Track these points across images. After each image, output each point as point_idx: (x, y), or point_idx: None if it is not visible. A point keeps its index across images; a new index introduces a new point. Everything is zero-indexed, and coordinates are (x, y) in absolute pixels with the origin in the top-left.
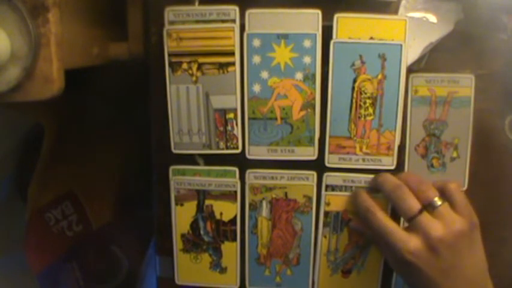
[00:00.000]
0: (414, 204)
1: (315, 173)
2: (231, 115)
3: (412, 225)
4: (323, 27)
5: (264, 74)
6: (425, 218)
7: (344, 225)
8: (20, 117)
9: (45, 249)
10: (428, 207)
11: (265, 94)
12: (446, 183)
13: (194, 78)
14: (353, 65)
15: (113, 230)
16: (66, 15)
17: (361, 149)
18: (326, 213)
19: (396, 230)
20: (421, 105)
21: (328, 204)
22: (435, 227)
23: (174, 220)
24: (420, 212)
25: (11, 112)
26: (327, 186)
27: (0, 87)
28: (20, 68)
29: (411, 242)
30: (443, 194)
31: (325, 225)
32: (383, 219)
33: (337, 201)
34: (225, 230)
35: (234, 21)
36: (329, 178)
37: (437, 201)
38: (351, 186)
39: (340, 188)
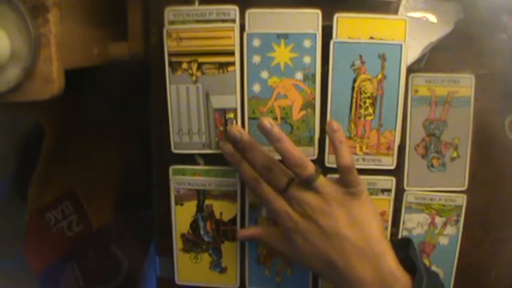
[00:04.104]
0: (283, 178)
1: None
2: (231, 115)
3: (287, 197)
4: (323, 27)
5: (264, 74)
6: (296, 189)
7: None
8: (20, 117)
9: (45, 249)
10: (305, 181)
11: (265, 94)
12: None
13: (194, 78)
14: (353, 65)
15: (112, 230)
16: (66, 15)
17: (361, 149)
18: None
19: (278, 199)
20: (421, 105)
21: None
22: (306, 195)
23: (174, 220)
24: (289, 183)
25: (11, 112)
26: None
27: (0, 87)
28: (20, 68)
29: (288, 210)
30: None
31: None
32: (266, 189)
33: None
34: (225, 230)
35: (234, 21)
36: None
37: (314, 175)
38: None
39: None
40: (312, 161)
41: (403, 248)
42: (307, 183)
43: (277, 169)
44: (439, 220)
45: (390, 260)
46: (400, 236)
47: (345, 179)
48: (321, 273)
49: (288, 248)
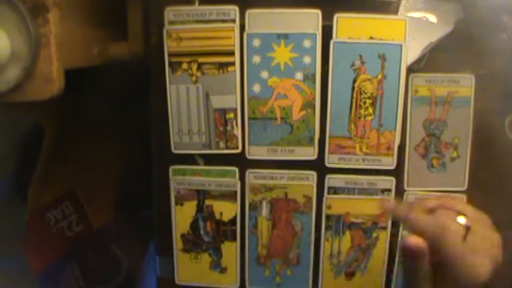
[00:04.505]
0: (459, 226)
1: (315, 173)
2: (231, 115)
3: (469, 247)
4: (323, 27)
5: (264, 74)
6: (475, 237)
7: (346, 228)
8: (20, 117)
9: (45, 249)
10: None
11: (265, 94)
12: (437, 200)
13: (194, 78)
14: (353, 65)
15: (112, 230)
16: (66, 15)
17: (361, 149)
18: (328, 217)
19: (470, 253)
20: (421, 105)
21: (329, 207)
22: (488, 242)
23: (174, 220)
24: (467, 230)
25: (11, 112)
26: (329, 188)
27: (0, 87)
28: (20, 68)
29: (484, 264)
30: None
31: (327, 228)
32: (456, 240)
33: (338, 204)
34: (225, 230)
35: (234, 21)
36: (331, 180)
37: (461, 217)
38: (354, 188)
39: (342, 190)
40: (312, 161)
41: None
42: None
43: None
44: None
45: None
46: (400, 237)
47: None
48: None
49: None
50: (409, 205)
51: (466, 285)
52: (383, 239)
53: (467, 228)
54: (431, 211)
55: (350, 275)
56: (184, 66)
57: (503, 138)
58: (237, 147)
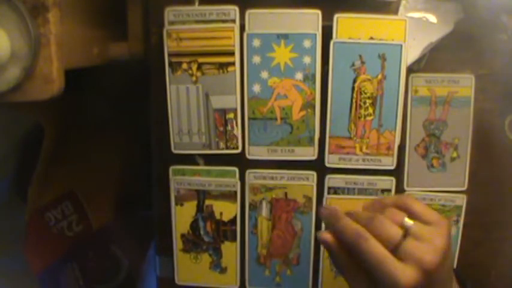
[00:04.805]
0: (395, 231)
1: (314, 173)
2: (231, 115)
3: (400, 253)
4: (323, 27)
5: (264, 74)
6: (411, 244)
7: None
8: (20, 117)
9: (45, 250)
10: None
11: (265, 94)
12: (396, 198)
13: (194, 78)
14: (353, 65)
15: (113, 230)
16: (66, 15)
17: (361, 149)
18: None
19: (391, 260)
20: (421, 105)
21: None
22: (423, 250)
23: (174, 220)
24: (404, 237)
25: (11, 112)
26: (329, 188)
27: (0, 87)
28: (20, 68)
29: (407, 272)
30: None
31: (327, 228)
32: (376, 246)
33: (338, 204)
34: (225, 230)
35: (234, 21)
36: (331, 180)
37: (408, 220)
38: (354, 188)
39: (342, 191)
40: (312, 161)
41: None
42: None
43: (387, 219)
44: None
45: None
46: None
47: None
48: None
49: None
50: (336, 213)
51: None
52: None
53: (405, 233)
54: (383, 208)
55: None
56: (184, 66)
57: (503, 138)
58: (237, 147)
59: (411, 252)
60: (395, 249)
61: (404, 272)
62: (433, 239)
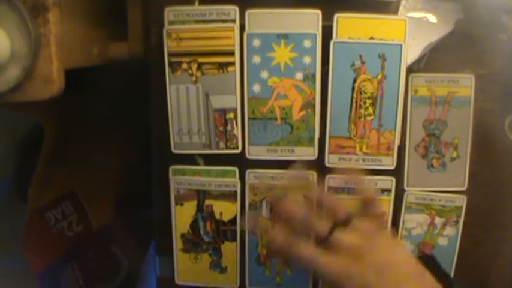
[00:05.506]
0: (322, 228)
1: (315, 173)
2: (231, 115)
3: (330, 245)
4: (323, 27)
5: (264, 74)
6: (339, 234)
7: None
8: (20, 117)
9: (45, 250)
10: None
11: (265, 94)
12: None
13: (194, 78)
14: (353, 65)
15: (113, 230)
16: (66, 15)
17: (361, 149)
18: None
19: (318, 255)
20: (421, 105)
21: None
22: (346, 236)
23: (174, 220)
24: (331, 232)
25: (11, 112)
26: (329, 188)
27: (0, 87)
28: (20, 68)
29: (333, 263)
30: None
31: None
32: (303, 247)
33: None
34: (225, 230)
35: (234, 21)
36: (331, 180)
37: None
38: (354, 188)
39: (342, 190)
40: (312, 161)
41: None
42: (346, 224)
43: (313, 217)
44: (438, 221)
45: (429, 276)
46: (399, 237)
47: (370, 211)
48: None
49: None
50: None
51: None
52: None
53: (330, 231)
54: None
55: None
56: (184, 66)
57: (503, 138)
58: (237, 147)
59: (337, 242)
60: (324, 242)
61: (331, 263)
62: (358, 226)
